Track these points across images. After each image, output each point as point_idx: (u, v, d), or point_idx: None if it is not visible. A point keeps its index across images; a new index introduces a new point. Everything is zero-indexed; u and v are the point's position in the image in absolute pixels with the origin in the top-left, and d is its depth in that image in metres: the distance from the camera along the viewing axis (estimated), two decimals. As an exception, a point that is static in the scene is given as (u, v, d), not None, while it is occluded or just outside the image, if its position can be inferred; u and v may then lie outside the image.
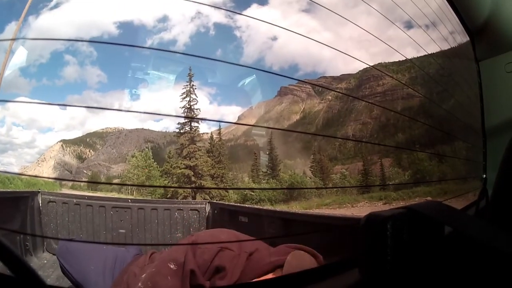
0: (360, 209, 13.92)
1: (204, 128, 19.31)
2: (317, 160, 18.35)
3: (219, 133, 18.57)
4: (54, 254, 2.20)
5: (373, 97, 25.04)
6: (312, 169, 18.20)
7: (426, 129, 17.19)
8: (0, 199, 1.97)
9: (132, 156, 19.58)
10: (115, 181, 20.10)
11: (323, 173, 17.69)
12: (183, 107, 18.42)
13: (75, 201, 2.51)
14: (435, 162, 15.58)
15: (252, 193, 14.59)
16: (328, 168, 18.37)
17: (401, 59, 21.99)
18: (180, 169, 16.34)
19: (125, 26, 23.14)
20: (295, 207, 13.49)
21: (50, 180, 22.22)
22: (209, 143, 17.19)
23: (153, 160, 19.33)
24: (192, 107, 18.39)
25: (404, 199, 13.93)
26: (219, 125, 19.33)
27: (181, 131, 17.46)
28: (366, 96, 25.70)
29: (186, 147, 16.75)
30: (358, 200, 14.93)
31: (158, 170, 17.74)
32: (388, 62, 22.94)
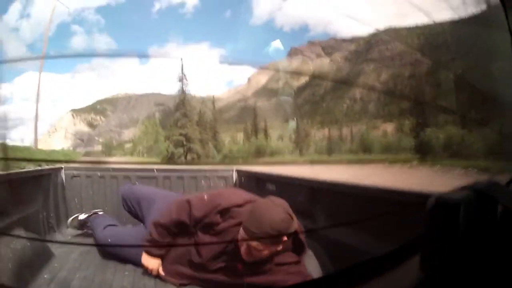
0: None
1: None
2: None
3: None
4: (78, 229, 2.22)
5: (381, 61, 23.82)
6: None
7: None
8: (23, 178, 1.91)
9: (142, 124, 21.69)
10: (127, 145, 21.96)
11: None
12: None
13: (99, 174, 2.50)
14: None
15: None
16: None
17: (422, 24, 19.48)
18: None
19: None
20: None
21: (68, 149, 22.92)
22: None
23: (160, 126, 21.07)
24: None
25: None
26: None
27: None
28: (374, 59, 24.49)
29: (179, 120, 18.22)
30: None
31: (162, 136, 19.71)
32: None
